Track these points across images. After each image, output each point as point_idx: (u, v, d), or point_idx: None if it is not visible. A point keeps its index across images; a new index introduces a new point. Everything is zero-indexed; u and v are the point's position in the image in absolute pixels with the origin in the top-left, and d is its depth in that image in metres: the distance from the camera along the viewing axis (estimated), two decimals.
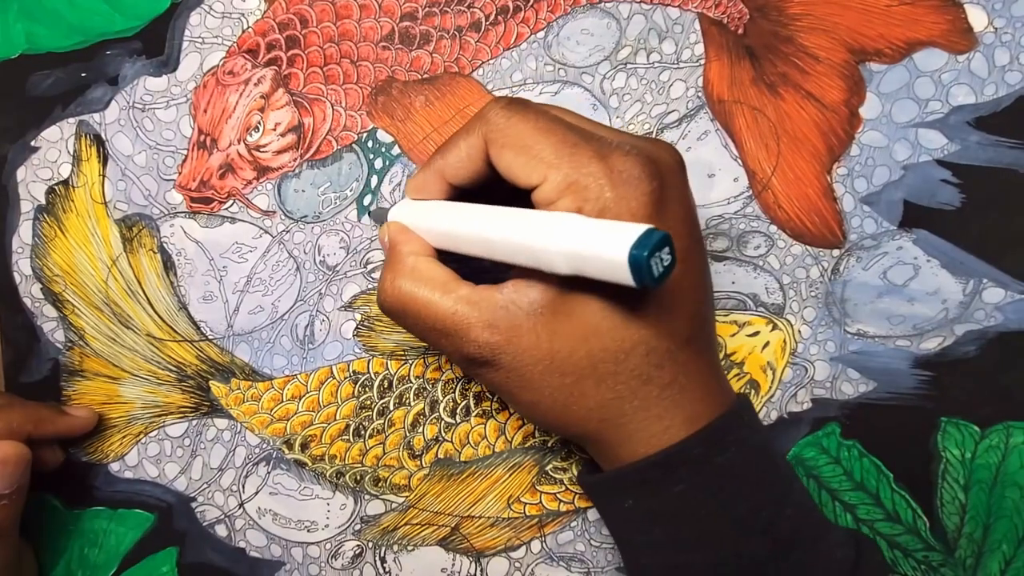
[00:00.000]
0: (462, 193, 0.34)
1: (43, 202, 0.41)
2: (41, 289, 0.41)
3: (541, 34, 0.39)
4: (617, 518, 0.35)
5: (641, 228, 0.26)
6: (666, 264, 0.26)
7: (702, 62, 0.39)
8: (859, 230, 0.39)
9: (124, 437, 0.42)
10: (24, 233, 0.41)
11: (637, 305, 0.30)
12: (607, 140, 0.30)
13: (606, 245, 0.27)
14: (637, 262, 0.26)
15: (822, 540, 0.33)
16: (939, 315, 0.39)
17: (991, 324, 0.39)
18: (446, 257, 0.33)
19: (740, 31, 0.38)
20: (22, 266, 0.41)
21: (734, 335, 0.40)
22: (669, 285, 0.30)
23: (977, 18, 0.38)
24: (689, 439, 0.31)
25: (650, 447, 0.32)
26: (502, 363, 0.31)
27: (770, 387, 0.40)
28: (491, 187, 0.33)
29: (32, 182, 0.41)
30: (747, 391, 0.40)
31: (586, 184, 0.29)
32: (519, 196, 0.31)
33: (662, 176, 0.30)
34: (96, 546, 0.43)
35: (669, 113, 0.39)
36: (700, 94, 0.39)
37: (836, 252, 0.39)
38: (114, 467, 0.43)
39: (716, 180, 0.39)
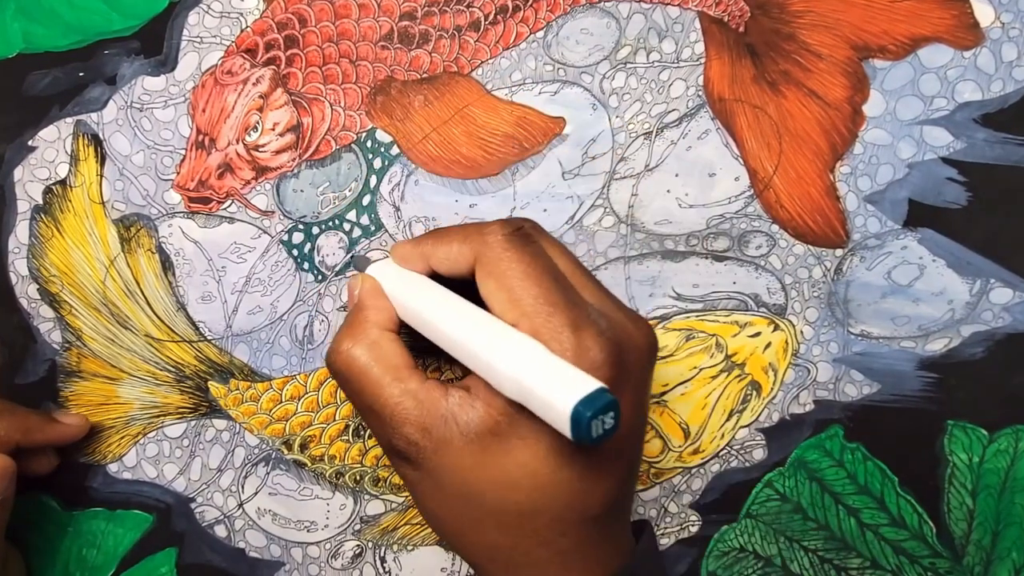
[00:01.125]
0: None
1: (40, 202, 0.42)
2: (38, 290, 0.42)
3: (540, 33, 0.40)
4: None
5: (594, 385, 0.27)
6: (607, 427, 0.27)
7: (702, 61, 0.39)
8: (863, 229, 0.40)
9: (122, 438, 0.43)
10: (21, 233, 0.42)
11: (561, 468, 0.30)
12: (585, 311, 0.31)
13: (554, 390, 0.27)
14: (578, 419, 0.26)
15: None
16: (945, 316, 0.40)
17: (999, 325, 0.40)
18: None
19: (741, 29, 0.39)
20: (18, 266, 0.42)
21: (735, 336, 0.40)
22: (600, 455, 0.31)
23: (983, 13, 0.38)
24: None
25: None
26: (423, 467, 0.32)
27: (772, 388, 0.41)
28: None
29: (29, 182, 0.42)
30: (749, 393, 0.40)
31: (551, 347, 0.30)
32: None
33: (624, 365, 0.31)
34: (94, 547, 0.44)
35: (669, 112, 0.40)
36: (700, 93, 0.40)
37: (839, 252, 0.40)
38: (112, 468, 0.43)
39: (717, 179, 0.40)
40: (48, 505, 0.44)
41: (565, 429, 0.27)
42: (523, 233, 0.33)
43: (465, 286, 0.33)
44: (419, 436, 0.31)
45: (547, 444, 0.30)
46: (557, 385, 0.27)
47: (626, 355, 0.31)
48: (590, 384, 0.27)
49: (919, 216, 0.40)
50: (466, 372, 0.32)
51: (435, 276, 0.35)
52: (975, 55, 0.38)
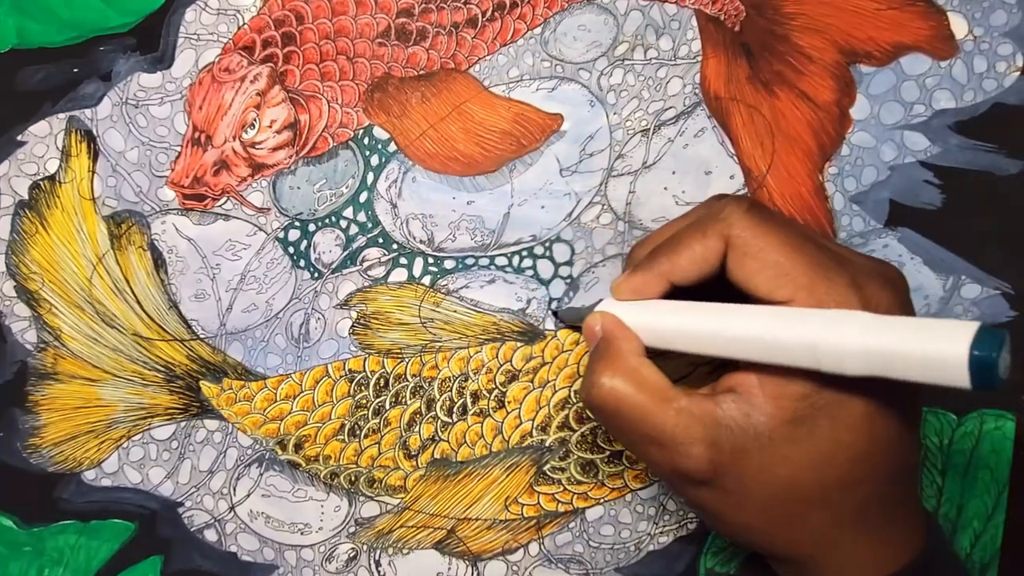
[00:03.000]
0: None
1: (25, 197, 0.43)
2: (14, 287, 0.43)
3: (538, 30, 0.42)
4: None
5: (974, 325, 0.26)
6: (1007, 363, 0.26)
7: (699, 59, 0.42)
8: (848, 228, 0.42)
9: (102, 442, 0.44)
10: (1, 229, 0.43)
11: (876, 432, 0.31)
12: (857, 266, 0.31)
13: (933, 341, 0.26)
14: (984, 362, 0.25)
15: None
16: (921, 310, 0.43)
17: (968, 319, 0.43)
18: None
19: (737, 28, 0.42)
20: None
21: None
22: (901, 411, 0.31)
23: (959, 26, 0.42)
24: (904, 571, 0.32)
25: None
26: (722, 484, 0.31)
27: None
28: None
29: (15, 177, 0.43)
30: None
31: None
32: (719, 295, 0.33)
33: (909, 305, 0.31)
34: (60, 565, 0.44)
35: (666, 110, 0.42)
36: (697, 91, 0.42)
37: None
38: (89, 475, 0.44)
39: (713, 177, 0.42)
40: (1, 525, 0.44)
41: (959, 378, 0.25)
42: (760, 204, 0.33)
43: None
44: (710, 452, 0.31)
45: (859, 412, 0.30)
46: (927, 337, 0.26)
47: (903, 295, 0.31)
48: (969, 325, 0.26)
49: (899, 216, 0.42)
50: None
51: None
52: (951, 65, 0.42)
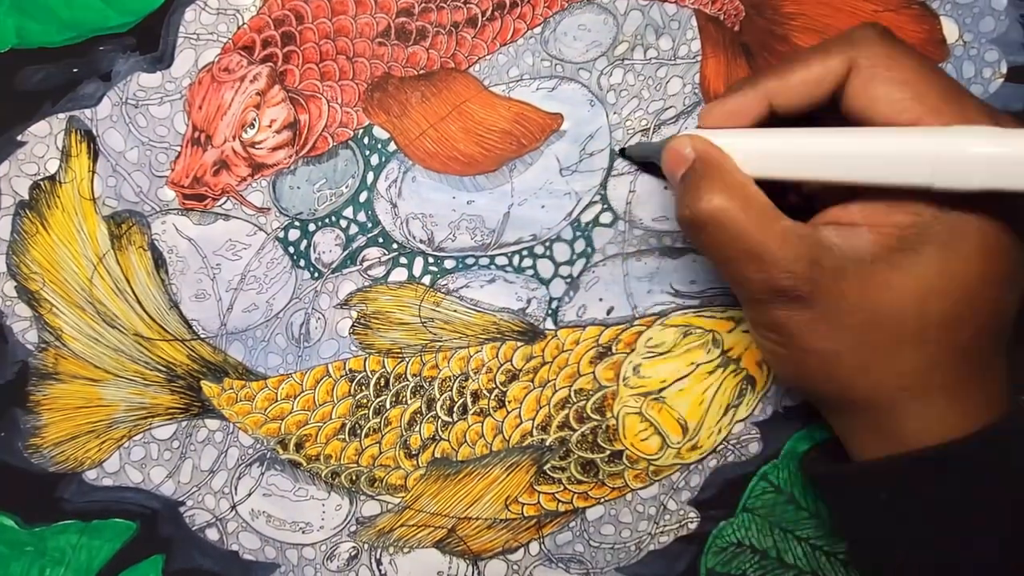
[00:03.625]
0: None
1: (26, 197, 0.43)
2: (15, 287, 0.43)
3: (538, 30, 0.42)
4: (864, 511, 0.35)
5: None
6: None
7: (699, 58, 0.42)
8: None
9: (103, 442, 0.44)
10: (2, 229, 0.43)
11: (988, 271, 0.30)
12: (976, 99, 0.31)
13: None
14: None
15: None
16: None
17: None
18: None
19: (736, 28, 0.42)
20: None
21: (731, 331, 0.43)
22: (1013, 268, 0.31)
23: (950, 30, 0.42)
24: (981, 433, 0.31)
25: (939, 431, 0.32)
26: (815, 302, 0.31)
27: (766, 382, 0.43)
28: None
29: (15, 177, 0.43)
30: (744, 387, 0.43)
31: None
32: None
33: None
34: (61, 565, 0.44)
35: (666, 109, 0.42)
36: (697, 90, 0.42)
37: None
38: (90, 475, 0.44)
39: None
40: (2, 524, 0.44)
41: None
42: (889, 30, 0.32)
43: None
44: (809, 269, 0.31)
45: (974, 243, 0.30)
46: None
47: None
48: None
49: None
50: None
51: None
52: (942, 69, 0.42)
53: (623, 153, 0.42)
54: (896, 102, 0.31)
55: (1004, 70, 0.42)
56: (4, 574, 0.44)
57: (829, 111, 0.33)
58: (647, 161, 0.42)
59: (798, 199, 0.37)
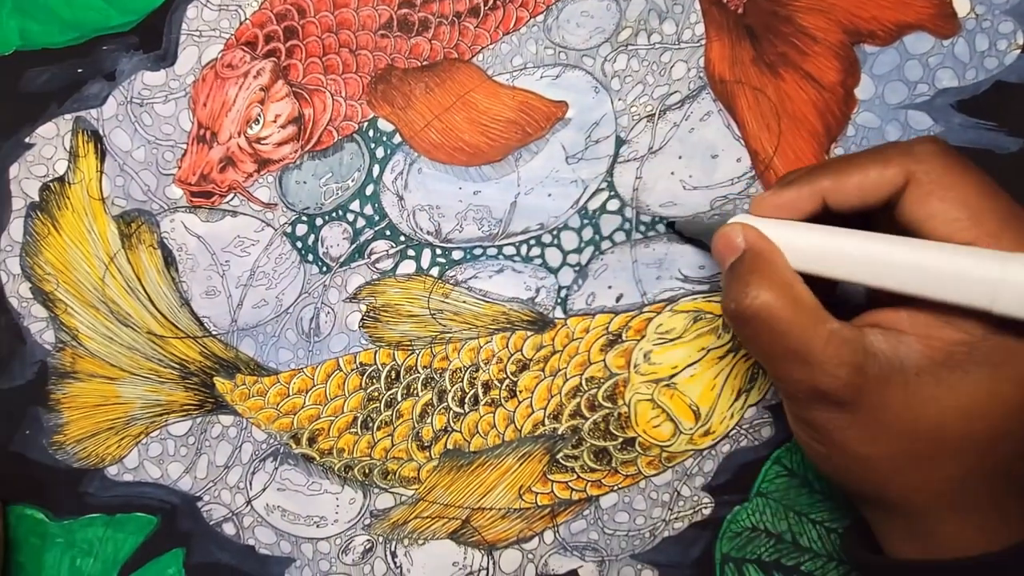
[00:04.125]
0: None
1: (36, 199, 0.43)
2: (30, 288, 0.44)
3: (540, 17, 0.42)
4: None
5: None
6: None
7: (703, 42, 0.42)
8: None
9: (122, 439, 0.45)
10: (15, 231, 0.44)
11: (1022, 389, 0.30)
12: None
13: None
14: None
15: None
16: None
17: None
18: None
19: (740, 10, 0.41)
20: (10, 265, 0.44)
21: None
22: None
23: (960, 3, 0.41)
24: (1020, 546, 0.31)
25: (974, 541, 0.32)
26: (857, 408, 0.31)
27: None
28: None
29: (25, 179, 0.43)
30: (756, 371, 0.43)
31: None
32: None
33: None
34: (90, 556, 0.45)
35: (672, 94, 0.42)
36: (702, 74, 0.42)
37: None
38: (112, 471, 0.45)
39: (719, 161, 0.42)
40: (34, 518, 0.45)
41: None
42: (950, 145, 0.32)
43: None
44: (854, 375, 0.31)
45: (1007, 369, 0.30)
46: None
47: None
48: None
49: None
50: None
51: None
52: (953, 44, 0.41)
53: (672, 227, 0.42)
54: (953, 221, 0.31)
55: (1021, 41, 0.41)
56: (37, 564, 0.45)
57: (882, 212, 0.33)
58: (697, 238, 0.42)
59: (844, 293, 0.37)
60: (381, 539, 0.45)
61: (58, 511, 0.45)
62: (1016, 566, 0.31)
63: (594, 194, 0.43)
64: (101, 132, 0.43)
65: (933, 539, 0.33)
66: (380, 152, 0.43)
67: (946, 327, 0.31)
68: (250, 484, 0.44)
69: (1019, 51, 0.41)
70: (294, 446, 0.44)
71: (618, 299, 0.43)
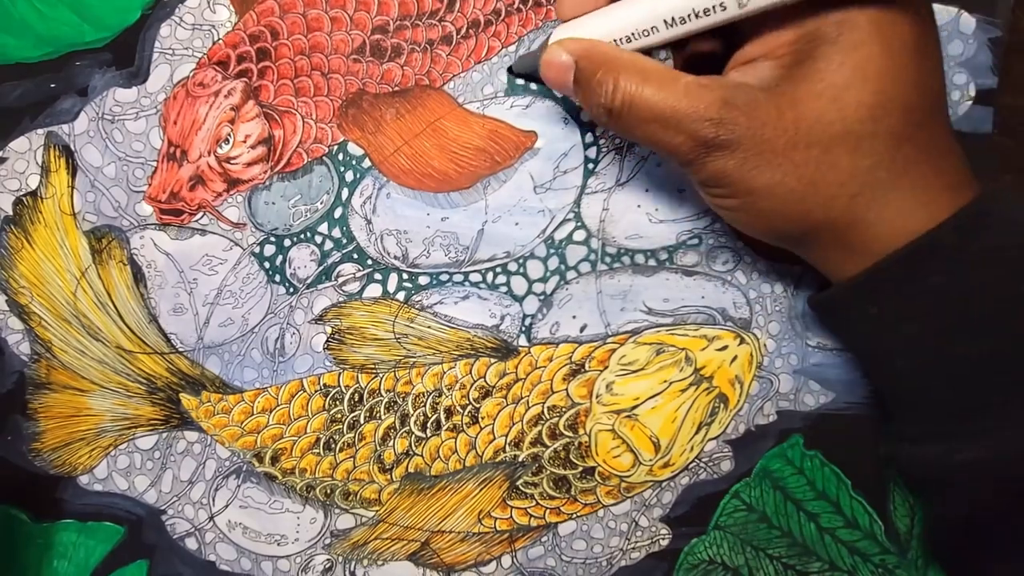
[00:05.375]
0: None
1: (10, 213, 0.43)
2: (7, 301, 0.44)
3: (512, 47, 0.42)
4: (860, 329, 0.35)
5: None
6: None
7: None
8: None
9: (93, 450, 0.45)
10: None
11: (884, 50, 0.30)
12: None
13: None
14: None
15: None
16: None
17: None
18: None
19: None
20: None
21: (704, 349, 0.42)
22: (919, 37, 0.31)
23: None
24: (950, 220, 0.31)
25: (905, 229, 0.32)
26: (739, 142, 0.31)
27: (738, 400, 0.43)
28: None
29: None
30: (717, 405, 0.43)
31: None
32: None
33: None
34: (65, 559, 0.45)
35: None
36: None
37: (798, 268, 0.42)
38: (83, 480, 0.45)
39: (686, 195, 0.42)
40: (17, 518, 0.45)
41: None
42: None
43: None
44: (724, 111, 0.31)
45: (866, 26, 0.30)
46: None
47: None
48: None
49: None
50: None
51: None
52: None
53: (511, 71, 0.42)
54: None
55: (973, 93, 0.41)
56: (22, 561, 0.46)
57: None
58: (532, 75, 0.40)
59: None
60: (341, 559, 0.45)
61: (37, 514, 0.45)
62: (951, 240, 0.31)
63: (561, 224, 0.43)
64: (72, 147, 0.43)
65: (870, 247, 0.33)
66: (349, 176, 0.43)
67: (784, 33, 0.31)
68: (213, 500, 0.45)
69: (971, 102, 0.41)
70: (257, 464, 0.44)
71: (582, 329, 0.43)
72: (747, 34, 0.33)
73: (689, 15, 0.32)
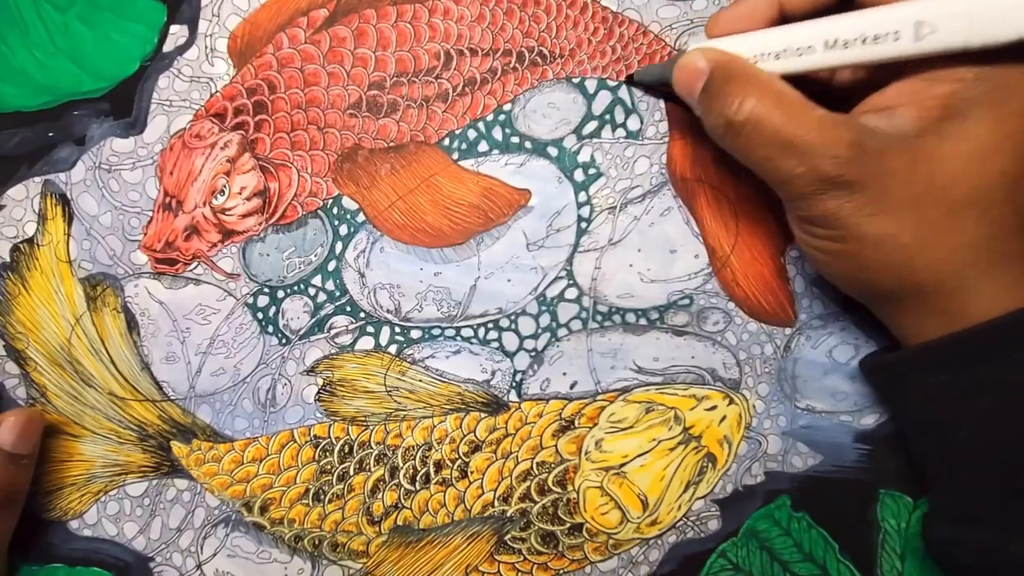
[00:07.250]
0: None
1: (7, 259, 0.44)
2: (4, 346, 0.44)
3: (508, 106, 0.42)
4: (924, 394, 0.33)
5: None
6: None
7: (666, 139, 0.42)
8: (808, 310, 0.42)
9: (83, 495, 0.45)
10: None
11: None
12: None
13: None
14: None
15: None
16: (876, 392, 0.43)
17: None
18: None
19: None
20: None
21: (693, 409, 0.43)
22: None
23: None
24: None
25: (1005, 305, 0.30)
26: (862, 185, 0.30)
27: (727, 460, 0.43)
28: None
29: None
30: (705, 465, 0.43)
31: None
32: None
33: None
34: None
35: (633, 188, 0.42)
36: (664, 171, 0.42)
37: (788, 330, 0.42)
38: (73, 525, 0.45)
39: (678, 256, 0.42)
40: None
41: None
42: None
43: None
44: (853, 152, 0.30)
45: (1011, 107, 0.29)
46: None
47: None
48: None
49: (856, 300, 0.42)
50: None
51: None
52: None
53: (631, 80, 0.41)
54: None
55: None
56: None
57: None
58: (659, 86, 0.40)
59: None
60: None
61: (28, 556, 0.45)
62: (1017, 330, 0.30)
63: (553, 282, 0.43)
64: (69, 196, 0.43)
65: (967, 316, 0.31)
66: (344, 229, 0.43)
67: (937, 85, 0.30)
68: (201, 548, 0.45)
69: None
70: (246, 514, 0.44)
71: (572, 386, 0.43)
72: (887, 79, 0.32)
73: (855, 39, 0.30)
